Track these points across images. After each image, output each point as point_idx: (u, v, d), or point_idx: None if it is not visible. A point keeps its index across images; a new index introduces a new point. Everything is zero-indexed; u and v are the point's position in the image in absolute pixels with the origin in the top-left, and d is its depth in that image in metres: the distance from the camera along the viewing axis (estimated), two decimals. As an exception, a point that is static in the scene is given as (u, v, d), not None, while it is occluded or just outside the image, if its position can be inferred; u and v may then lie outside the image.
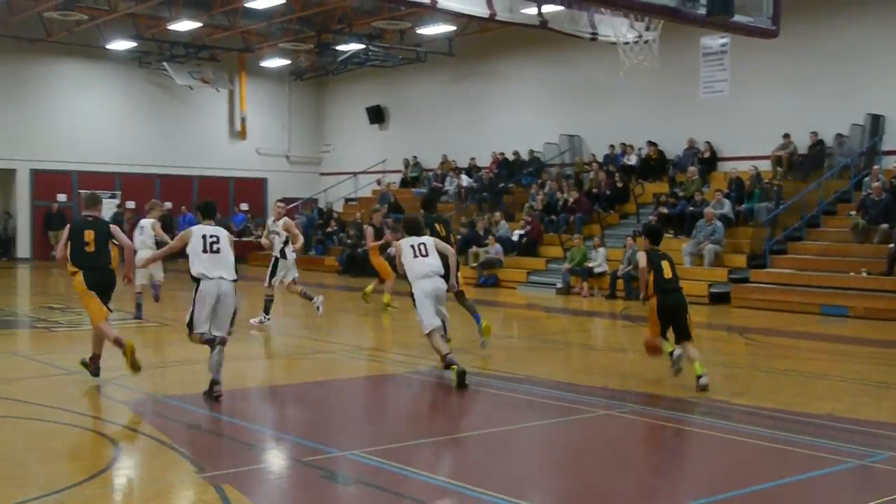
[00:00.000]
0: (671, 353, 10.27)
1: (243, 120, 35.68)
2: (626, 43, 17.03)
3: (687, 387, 9.97)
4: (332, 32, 29.42)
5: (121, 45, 30.45)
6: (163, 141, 33.70)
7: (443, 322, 10.69)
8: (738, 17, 13.66)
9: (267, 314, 14.85)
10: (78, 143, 31.89)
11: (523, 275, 23.39)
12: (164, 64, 31.97)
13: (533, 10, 19.07)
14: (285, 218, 15.24)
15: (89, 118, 32.33)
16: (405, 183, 32.70)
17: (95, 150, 32.20)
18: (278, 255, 14.95)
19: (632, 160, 25.99)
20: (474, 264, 24.21)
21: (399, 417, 9.21)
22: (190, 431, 7.98)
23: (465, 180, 29.64)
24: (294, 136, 37.14)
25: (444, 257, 10.82)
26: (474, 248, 24.62)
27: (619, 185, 25.03)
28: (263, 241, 15.76)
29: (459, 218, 27.13)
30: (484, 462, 7.36)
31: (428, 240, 10.79)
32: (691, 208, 22.13)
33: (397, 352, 12.82)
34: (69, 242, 9.71)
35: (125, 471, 6.86)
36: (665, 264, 10.14)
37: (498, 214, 25.99)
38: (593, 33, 20.05)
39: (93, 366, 9.88)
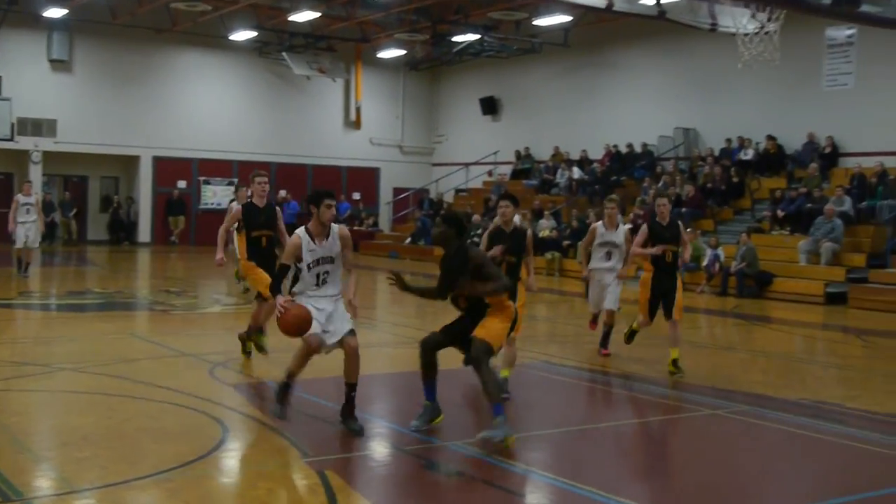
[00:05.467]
0: None
1: (358, 110, 36.08)
2: (746, 34, 16.64)
3: (797, 388, 9.67)
4: (448, 23, 29.52)
5: (242, 35, 31.13)
6: (279, 129, 34.36)
7: None
8: (865, 7, 13.23)
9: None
10: (198, 131, 32.75)
11: (632, 269, 23.06)
12: (283, 54, 32.56)
13: (651, 1, 18.80)
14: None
15: (210, 107, 33.16)
16: (516, 174, 32.64)
17: (215, 138, 33.03)
18: None
19: (748, 154, 25.38)
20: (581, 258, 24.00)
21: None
22: (296, 417, 8.12)
23: (576, 172, 29.41)
24: (407, 126, 37.41)
25: None
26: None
27: (735, 179, 24.46)
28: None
29: (570, 210, 26.93)
30: (584, 457, 7.31)
31: None
32: (809, 205, 21.49)
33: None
34: None
35: (232, 452, 7.02)
36: None
37: (609, 208, 25.64)
38: (713, 24, 19.67)
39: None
